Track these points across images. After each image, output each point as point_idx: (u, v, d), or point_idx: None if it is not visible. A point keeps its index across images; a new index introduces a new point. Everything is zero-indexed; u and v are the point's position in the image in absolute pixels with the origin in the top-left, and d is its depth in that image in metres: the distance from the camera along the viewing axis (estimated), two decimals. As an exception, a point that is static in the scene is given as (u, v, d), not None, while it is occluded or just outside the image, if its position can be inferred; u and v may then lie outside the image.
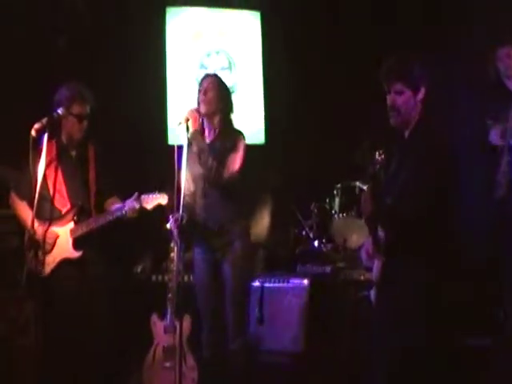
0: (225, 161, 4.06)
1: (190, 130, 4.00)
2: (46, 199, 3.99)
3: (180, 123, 3.98)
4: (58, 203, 4.09)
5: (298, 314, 4.85)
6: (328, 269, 5.25)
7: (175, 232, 3.99)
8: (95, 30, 5.99)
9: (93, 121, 4.24)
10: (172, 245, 4.40)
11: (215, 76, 4.34)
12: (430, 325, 3.18)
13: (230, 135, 4.18)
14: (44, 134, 3.79)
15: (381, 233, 3.28)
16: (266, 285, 5.00)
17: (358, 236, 5.25)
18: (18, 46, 5.62)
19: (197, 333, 4.27)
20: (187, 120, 3.99)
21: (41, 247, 3.89)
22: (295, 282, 4.98)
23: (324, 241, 5.61)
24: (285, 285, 4.99)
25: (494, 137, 4.44)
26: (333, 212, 5.55)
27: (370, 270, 3.53)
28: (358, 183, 5.47)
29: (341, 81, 6.33)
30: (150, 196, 4.13)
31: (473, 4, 5.58)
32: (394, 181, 3.30)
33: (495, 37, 4.62)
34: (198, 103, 4.16)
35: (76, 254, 4.10)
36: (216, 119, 4.20)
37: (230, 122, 4.24)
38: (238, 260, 4.09)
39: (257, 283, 4.98)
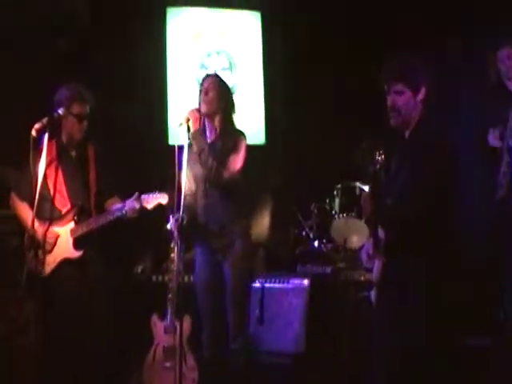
0: (225, 161, 4.06)
1: (191, 130, 4.00)
2: (47, 199, 3.98)
3: (181, 124, 3.97)
4: (58, 203, 4.09)
5: (299, 315, 4.85)
6: (328, 269, 5.25)
7: (175, 232, 3.99)
8: (95, 30, 5.99)
9: (93, 121, 4.24)
10: (172, 245, 4.40)
11: (216, 76, 4.33)
12: (430, 325, 3.18)
13: (230, 135, 4.17)
14: (44, 133, 3.79)
15: (381, 233, 3.28)
16: (267, 285, 5.00)
17: (358, 236, 5.25)
18: (17, 46, 5.62)
19: (197, 333, 4.27)
20: (188, 120, 3.99)
21: (41, 247, 3.89)
22: (295, 282, 4.97)
23: (324, 241, 5.61)
24: (285, 285, 4.98)
25: (493, 140, 4.44)
26: (333, 212, 5.56)
27: (370, 270, 3.52)
28: (358, 183, 5.48)
29: (341, 81, 6.33)
30: (151, 196, 4.13)
31: (473, 4, 5.58)
32: (394, 181, 3.30)
33: (495, 37, 4.62)
34: (200, 103, 4.16)
35: (76, 254, 4.10)
36: (217, 119, 4.20)
37: (231, 121, 4.23)
38: (239, 261, 4.09)
39: (257, 284, 4.97)
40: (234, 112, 4.24)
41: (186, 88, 6.48)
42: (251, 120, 6.55)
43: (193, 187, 4.18)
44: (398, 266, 3.24)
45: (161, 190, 4.13)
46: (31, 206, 3.85)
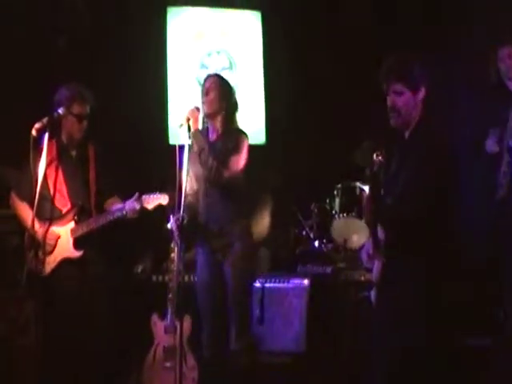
0: (226, 161, 4.05)
1: (192, 129, 4.00)
2: (47, 199, 3.98)
3: (181, 125, 3.96)
4: (58, 203, 4.09)
5: (299, 315, 4.85)
6: (328, 269, 5.25)
7: (176, 232, 3.99)
8: (95, 30, 5.99)
9: (93, 121, 4.24)
10: (172, 245, 4.41)
11: (217, 76, 4.33)
12: (430, 325, 3.18)
13: (232, 135, 4.17)
14: (44, 133, 3.78)
15: (381, 233, 3.28)
16: (267, 285, 5.00)
17: (358, 236, 5.24)
18: (18, 46, 5.62)
19: (197, 333, 4.27)
20: (188, 120, 3.97)
21: (41, 247, 3.89)
22: (295, 282, 4.98)
23: (324, 241, 5.60)
24: (285, 285, 4.99)
25: (491, 146, 4.42)
26: (333, 212, 5.55)
27: (370, 270, 3.52)
28: (358, 183, 5.48)
29: (341, 81, 6.33)
30: (151, 196, 4.13)
31: (473, 4, 5.58)
32: (394, 181, 3.30)
33: (495, 37, 4.61)
34: (202, 104, 4.15)
35: (76, 254, 4.11)
36: (218, 119, 4.19)
37: (233, 121, 4.21)
38: (239, 261, 4.09)
39: (257, 283, 4.97)
40: (237, 111, 4.23)
41: (186, 88, 6.48)
42: (251, 120, 6.54)
43: (195, 186, 4.18)
44: (397, 265, 3.24)
45: (161, 190, 4.13)
46: (31, 205, 3.84)
